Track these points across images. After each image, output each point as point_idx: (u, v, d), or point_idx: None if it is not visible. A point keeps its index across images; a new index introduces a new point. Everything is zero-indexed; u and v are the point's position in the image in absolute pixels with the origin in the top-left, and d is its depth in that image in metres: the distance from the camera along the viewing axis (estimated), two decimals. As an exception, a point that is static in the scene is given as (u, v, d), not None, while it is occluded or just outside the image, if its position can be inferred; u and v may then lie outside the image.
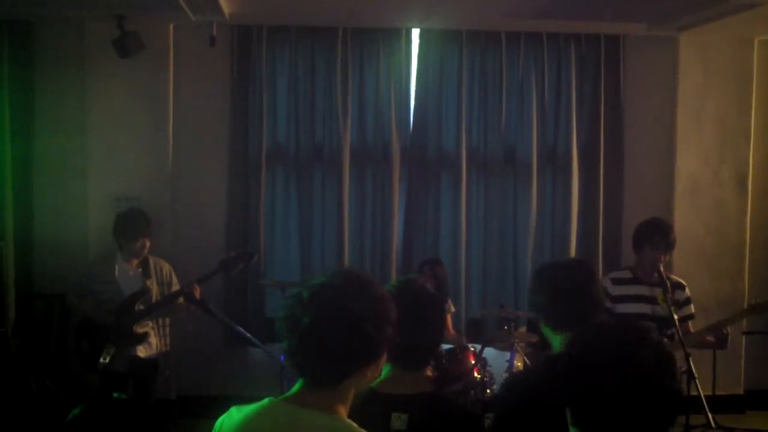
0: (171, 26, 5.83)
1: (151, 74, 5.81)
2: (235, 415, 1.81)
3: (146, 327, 5.02)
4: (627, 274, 4.61)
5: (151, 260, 5.13)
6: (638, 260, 4.59)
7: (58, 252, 5.76)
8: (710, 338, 4.50)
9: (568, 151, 6.15)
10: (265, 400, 1.79)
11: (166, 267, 5.20)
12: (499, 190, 6.18)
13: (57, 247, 5.79)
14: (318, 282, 1.80)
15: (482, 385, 5.08)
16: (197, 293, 4.73)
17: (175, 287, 5.09)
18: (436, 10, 5.61)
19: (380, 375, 1.87)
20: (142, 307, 4.92)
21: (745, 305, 5.87)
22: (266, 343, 4.90)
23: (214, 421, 1.88)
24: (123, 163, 5.80)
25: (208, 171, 6.05)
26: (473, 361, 5.10)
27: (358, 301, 1.75)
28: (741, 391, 6.37)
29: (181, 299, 4.89)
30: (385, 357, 1.86)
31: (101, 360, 4.75)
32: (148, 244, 5.06)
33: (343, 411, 1.79)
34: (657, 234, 4.49)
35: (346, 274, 1.84)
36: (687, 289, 4.61)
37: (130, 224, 5.01)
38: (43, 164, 5.86)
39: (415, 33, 6.09)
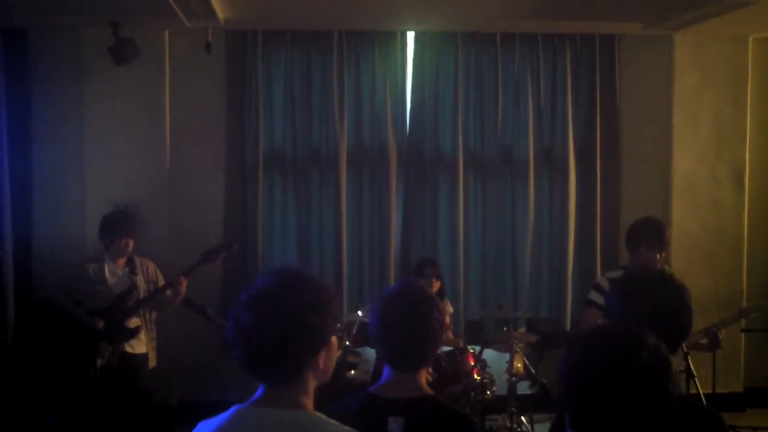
0: (166, 33, 5.84)
1: (148, 80, 5.83)
2: (204, 429, 1.83)
3: (137, 322, 5.26)
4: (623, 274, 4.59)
5: (137, 259, 5.38)
6: (633, 260, 4.56)
7: (57, 259, 5.76)
8: (703, 341, 4.50)
9: (565, 151, 6.15)
10: (232, 408, 1.82)
11: (151, 265, 5.45)
12: (496, 191, 6.18)
13: (56, 254, 5.81)
14: (256, 284, 1.83)
15: (482, 386, 5.07)
16: (183, 286, 5.12)
17: (162, 284, 5.36)
18: (430, 13, 5.61)
19: (331, 367, 1.87)
20: (131, 302, 5.20)
21: (744, 303, 5.89)
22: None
23: None
24: (121, 168, 5.82)
25: (206, 175, 6.05)
26: (473, 363, 5.10)
27: (295, 294, 1.77)
28: (741, 389, 6.36)
29: (168, 293, 5.22)
30: (335, 346, 1.87)
31: (99, 361, 5.04)
32: (132, 243, 5.31)
33: (308, 403, 1.82)
34: (652, 234, 4.41)
35: (281, 271, 1.86)
36: None
37: (116, 224, 5.30)
38: (41, 171, 5.88)
39: (411, 36, 6.09)
